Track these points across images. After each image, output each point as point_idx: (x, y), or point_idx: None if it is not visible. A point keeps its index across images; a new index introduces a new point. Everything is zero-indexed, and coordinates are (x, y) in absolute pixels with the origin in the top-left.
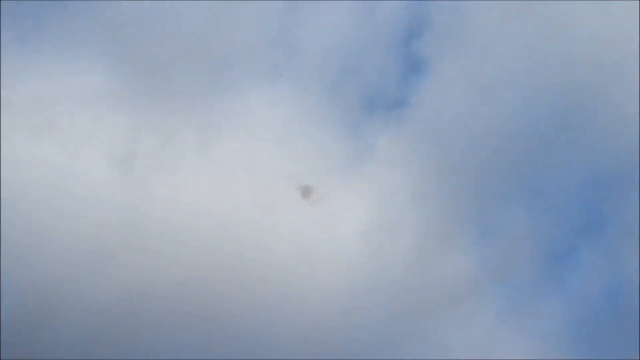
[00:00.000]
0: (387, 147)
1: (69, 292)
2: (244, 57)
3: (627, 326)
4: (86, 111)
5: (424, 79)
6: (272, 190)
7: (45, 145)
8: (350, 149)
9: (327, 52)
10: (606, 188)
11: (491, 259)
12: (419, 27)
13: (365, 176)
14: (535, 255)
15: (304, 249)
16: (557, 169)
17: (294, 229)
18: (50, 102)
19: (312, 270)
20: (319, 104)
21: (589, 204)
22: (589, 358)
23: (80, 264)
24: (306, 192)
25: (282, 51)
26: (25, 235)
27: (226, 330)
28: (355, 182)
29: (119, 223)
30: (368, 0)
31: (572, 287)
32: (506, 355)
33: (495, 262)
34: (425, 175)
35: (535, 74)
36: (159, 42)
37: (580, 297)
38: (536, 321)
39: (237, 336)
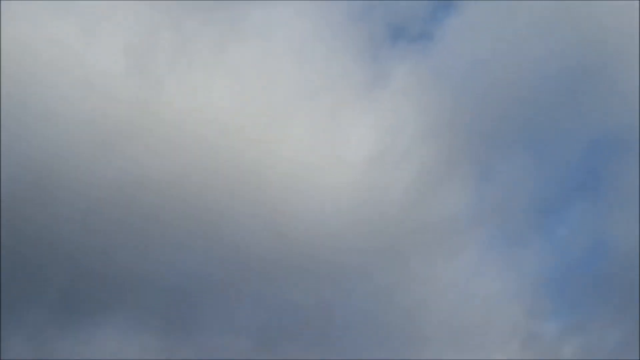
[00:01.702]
0: (404, 78)
1: (66, 173)
2: None
3: (605, 281)
4: None
5: (453, 18)
6: (284, 102)
7: (61, 27)
8: (367, 74)
9: None
10: (606, 152)
11: (486, 201)
12: None
13: (377, 104)
14: (529, 204)
15: (306, 166)
16: (563, 127)
17: (300, 144)
18: None
19: (310, 188)
20: (342, 24)
21: (587, 164)
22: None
23: (81, 148)
24: None
25: None
26: (30, 112)
27: (215, 233)
28: (366, 108)
29: (126, 115)
30: None
31: (558, 238)
32: (487, 287)
33: (490, 205)
34: (436, 112)
35: (561, 32)
36: None
37: (565, 248)
38: (520, 263)
39: (224, 241)
